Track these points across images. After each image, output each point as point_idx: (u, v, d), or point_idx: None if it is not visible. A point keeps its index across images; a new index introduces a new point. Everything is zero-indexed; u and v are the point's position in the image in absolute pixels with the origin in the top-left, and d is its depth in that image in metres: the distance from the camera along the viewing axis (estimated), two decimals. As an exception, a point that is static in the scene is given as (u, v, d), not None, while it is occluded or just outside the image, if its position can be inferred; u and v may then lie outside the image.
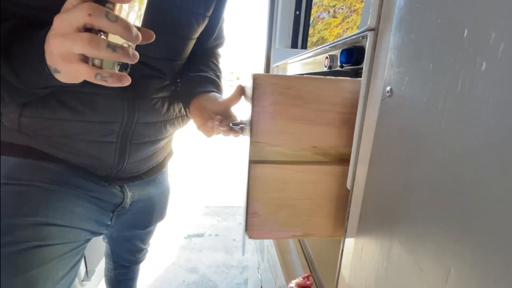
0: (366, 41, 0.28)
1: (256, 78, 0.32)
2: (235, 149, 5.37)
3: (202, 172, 3.87)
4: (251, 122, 0.33)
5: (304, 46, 0.88)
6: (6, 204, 0.47)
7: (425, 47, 0.20)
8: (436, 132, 0.19)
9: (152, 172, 0.70)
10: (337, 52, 0.43)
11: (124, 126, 0.55)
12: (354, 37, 0.35)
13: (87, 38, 0.29)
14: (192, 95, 0.59)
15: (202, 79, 0.62)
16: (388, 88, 0.24)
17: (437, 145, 0.18)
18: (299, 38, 0.87)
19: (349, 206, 0.31)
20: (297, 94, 0.33)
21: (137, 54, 0.32)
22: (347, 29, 1.12)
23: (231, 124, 0.48)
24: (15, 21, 0.38)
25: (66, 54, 0.31)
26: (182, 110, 0.68)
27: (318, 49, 0.51)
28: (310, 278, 0.41)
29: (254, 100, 0.32)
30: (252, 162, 0.34)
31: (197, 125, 0.58)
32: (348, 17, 1.09)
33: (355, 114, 0.31)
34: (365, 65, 0.28)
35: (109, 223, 0.65)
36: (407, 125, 0.22)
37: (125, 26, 0.29)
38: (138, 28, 0.32)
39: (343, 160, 0.35)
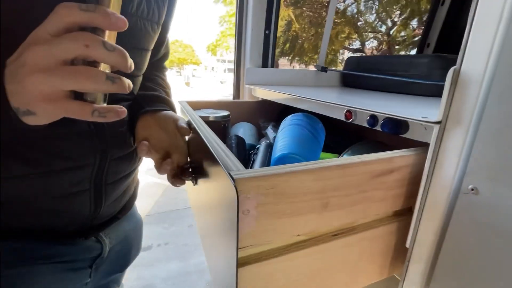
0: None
1: (237, 183, 0.28)
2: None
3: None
4: (237, 228, 0.30)
5: (272, 65, 0.89)
6: None
7: None
8: None
9: (127, 208, 0.62)
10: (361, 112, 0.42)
11: (96, 168, 0.46)
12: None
13: (85, 72, 0.26)
14: (139, 114, 0.52)
15: (152, 98, 0.55)
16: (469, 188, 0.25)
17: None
18: (269, 57, 0.88)
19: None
20: (280, 191, 0.30)
21: (131, 83, 0.29)
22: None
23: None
24: None
25: (50, 93, 0.26)
26: None
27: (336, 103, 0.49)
28: None
29: (238, 206, 0.29)
30: (240, 266, 0.32)
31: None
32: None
33: (337, 196, 0.31)
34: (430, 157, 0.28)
35: (88, 280, 0.56)
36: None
37: (123, 55, 0.27)
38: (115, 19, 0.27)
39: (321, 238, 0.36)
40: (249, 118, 0.84)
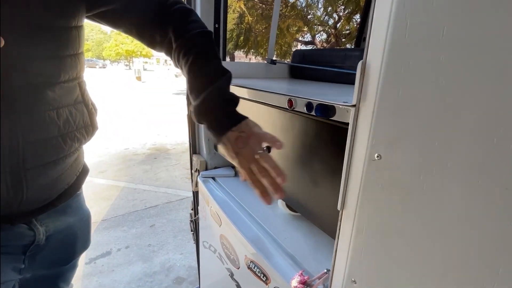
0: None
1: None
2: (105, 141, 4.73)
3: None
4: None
5: (224, 58, 0.92)
6: None
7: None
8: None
9: (65, 197, 0.61)
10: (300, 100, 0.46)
11: (7, 150, 0.46)
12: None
13: None
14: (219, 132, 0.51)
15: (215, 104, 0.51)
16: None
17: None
18: (221, 50, 0.89)
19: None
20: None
21: None
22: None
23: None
24: None
25: None
26: (86, 118, 0.59)
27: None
28: (304, 273, 0.49)
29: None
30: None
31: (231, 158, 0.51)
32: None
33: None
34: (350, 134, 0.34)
35: (22, 266, 0.57)
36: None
37: None
38: None
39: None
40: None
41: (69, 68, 0.53)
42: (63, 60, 0.52)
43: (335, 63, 0.89)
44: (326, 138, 0.49)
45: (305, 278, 0.48)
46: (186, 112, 0.95)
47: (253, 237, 0.63)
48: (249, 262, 0.63)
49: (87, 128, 0.60)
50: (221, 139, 0.51)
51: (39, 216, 0.57)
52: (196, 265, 1.85)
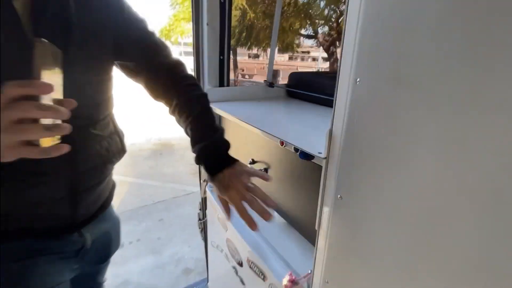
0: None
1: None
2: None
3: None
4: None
5: (228, 84, 1.06)
6: None
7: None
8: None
9: (103, 208, 0.76)
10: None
11: (70, 180, 0.61)
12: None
13: (27, 128, 0.36)
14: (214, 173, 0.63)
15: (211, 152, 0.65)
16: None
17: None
18: (225, 78, 1.04)
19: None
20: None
21: (68, 125, 0.39)
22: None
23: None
24: None
25: (8, 143, 0.37)
26: (118, 145, 0.74)
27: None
28: (292, 273, 0.63)
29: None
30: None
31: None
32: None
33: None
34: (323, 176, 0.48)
35: (76, 266, 0.72)
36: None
37: (55, 111, 0.37)
38: (61, 101, 0.39)
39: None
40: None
41: (105, 108, 0.68)
42: (102, 103, 0.66)
43: (328, 87, 1.01)
44: (310, 171, 0.63)
45: (293, 277, 0.63)
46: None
47: (253, 243, 0.79)
48: (250, 262, 0.78)
49: (120, 153, 0.75)
50: (212, 179, 0.63)
51: (86, 226, 0.71)
52: (202, 257, 2.02)
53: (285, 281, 0.62)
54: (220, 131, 0.68)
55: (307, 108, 0.98)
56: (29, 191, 0.57)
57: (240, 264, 0.85)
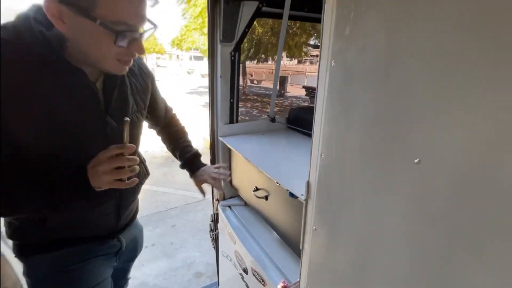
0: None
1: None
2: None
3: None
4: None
5: (237, 121, 1.30)
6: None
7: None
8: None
9: (133, 218, 0.99)
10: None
11: (117, 200, 0.85)
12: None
13: (121, 172, 0.64)
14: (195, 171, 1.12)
15: (196, 155, 1.14)
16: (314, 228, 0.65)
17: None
18: (234, 116, 1.26)
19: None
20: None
21: (138, 167, 0.68)
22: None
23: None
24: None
25: (108, 181, 0.64)
26: (144, 171, 0.98)
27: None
28: (286, 280, 0.83)
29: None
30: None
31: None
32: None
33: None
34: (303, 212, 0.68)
35: (115, 264, 0.95)
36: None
37: (135, 160, 0.65)
38: (128, 146, 0.65)
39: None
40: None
41: (138, 145, 0.91)
42: (137, 144, 0.90)
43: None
44: (298, 203, 0.84)
45: (286, 284, 0.83)
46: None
47: (256, 255, 0.99)
48: (253, 271, 0.98)
49: (146, 176, 1.00)
50: (193, 175, 1.11)
51: (123, 232, 0.95)
52: (212, 262, 2.21)
53: (279, 286, 0.82)
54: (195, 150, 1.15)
55: (304, 142, 1.18)
56: (94, 208, 0.80)
57: (246, 272, 1.05)
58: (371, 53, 0.45)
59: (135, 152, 0.86)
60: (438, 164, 0.38)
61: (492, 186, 0.33)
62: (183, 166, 1.14)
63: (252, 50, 5.30)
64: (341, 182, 0.58)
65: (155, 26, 0.66)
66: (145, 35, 0.66)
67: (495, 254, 0.34)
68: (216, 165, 1.15)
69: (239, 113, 1.27)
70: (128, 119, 0.63)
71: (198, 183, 1.11)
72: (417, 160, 0.41)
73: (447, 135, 0.36)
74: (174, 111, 1.17)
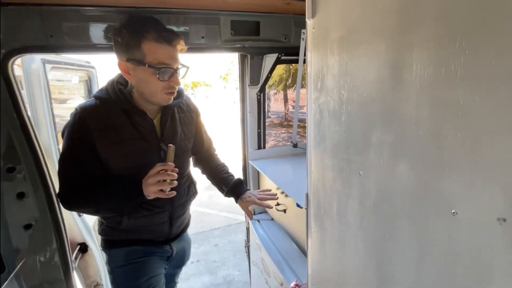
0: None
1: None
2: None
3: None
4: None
5: (264, 147, 1.58)
6: (129, 275, 1.00)
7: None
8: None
9: (184, 230, 1.18)
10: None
11: (170, 211, 1.05)
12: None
13: (164, 184, 0.85)
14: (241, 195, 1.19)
15: (239, 182, 1.23)
16: (312, 231, 0.83)
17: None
18: (261, 143, 1.52)
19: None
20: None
21: (176, 182, 0.88)
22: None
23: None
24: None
25: (155, 191, 0.84)
26: (193, 190, 1.18)
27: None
28: (297, 280, 0.99)
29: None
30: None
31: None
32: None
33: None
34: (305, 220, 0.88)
35: (166, 266, 1.13)
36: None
37: (173, 176, 0.86)
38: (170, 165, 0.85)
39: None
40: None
41: (187, 169, 1.16)
42: (186, 167, 1.15)
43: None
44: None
45: (297, 283, 0.99)
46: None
47: (276, 260, 1.17)
48: (274, 274, 1.15)
49: (194, 194, 1.21)
50: (238, 200, 1.18)
51: (174, 241, 1.13)
52: (249, 281, 2.35)
53: (292, 285, 0.99)
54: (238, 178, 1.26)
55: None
56: (153, 217, 1.01)
57: (269, 276, 1.23)
58: (331, 101, 0.67)
59: (184, 171, 1.12)
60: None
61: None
62: (228, 194, 1.21)
63: (290, 80, 5.64)
64: (325, 192, 0.77)
65: (186, 67, 0.92)
66: (181, 72, 0.92)
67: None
68: (261, 190, 1.25)
69: (265, 140, 1.52)
70: (171, 145, 0.87)
71: (246, 205, 1.16)
72: (361, 172, 0.59)
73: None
74: (217, 152, 1.35)
